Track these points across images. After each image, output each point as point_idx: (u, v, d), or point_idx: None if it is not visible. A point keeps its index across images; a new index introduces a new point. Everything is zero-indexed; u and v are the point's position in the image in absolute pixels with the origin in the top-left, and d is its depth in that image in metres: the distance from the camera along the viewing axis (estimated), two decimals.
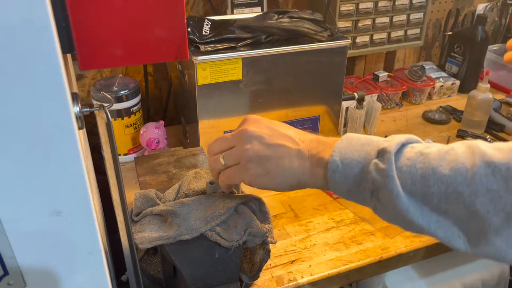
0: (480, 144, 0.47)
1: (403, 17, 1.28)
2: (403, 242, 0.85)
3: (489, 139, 1.19)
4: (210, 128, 0.94)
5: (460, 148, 0.47)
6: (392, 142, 0.50)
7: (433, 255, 0.88)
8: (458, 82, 1.44)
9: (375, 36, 1.28)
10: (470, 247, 0.46)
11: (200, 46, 0.88)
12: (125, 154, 1.07)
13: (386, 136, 0.53)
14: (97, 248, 0.46)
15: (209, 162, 0.64)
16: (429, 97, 1.43)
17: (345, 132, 1.21)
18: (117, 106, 1.00)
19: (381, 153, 0.50)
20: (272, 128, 0.59)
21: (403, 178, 0.48)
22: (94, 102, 1.02)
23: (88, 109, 0.49)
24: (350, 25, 1.23)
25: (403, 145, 0.50)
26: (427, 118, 1.32)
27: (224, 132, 0.95)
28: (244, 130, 0.60)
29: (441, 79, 1.43)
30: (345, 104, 1.17)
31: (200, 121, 0.92)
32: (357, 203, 0.54)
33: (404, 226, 0.50)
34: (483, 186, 0.43)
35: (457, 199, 0.45)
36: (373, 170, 0.49)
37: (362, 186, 0.51)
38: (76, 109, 0.42)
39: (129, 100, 1.01)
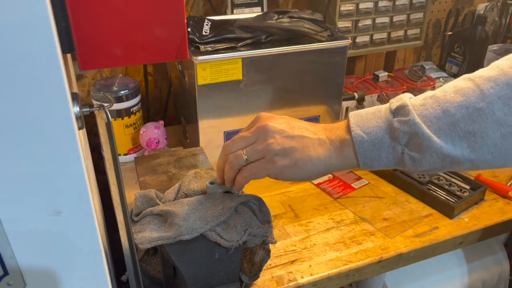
0: (468, 74, 0.55)
1: (403, 17, 1.28)
2: (403, 242, 0.85)
3: None
4: (210, 128, 0.94)
5: (457, 82, 0.56)
6: (402, 99, 0.57)
7: (433, 255, 0.88)
8: None
9: (375, 36, 1.28)
10: (496, 154, 0.53)
11: (200, 46, 0.88)
12: (125, 154, 1.07)
13: None
14: (97, 248, 0.46)
15: (229, 159, 0.64)
16: None
17: None
18: (117, 106, 1.00)
19: (398, 111, 0.56)
20: (289, 122, 0.62)
21: (427, 120, 0.54)
22: (94, 102, 1.02)
23: (88, 109, 0.49)
24: (350, 25, 1.23)
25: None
26: None
27: (224, 132, 0.95)
28: (264, 125, 0.62)
29: (441, 79, 1.43)
30: (345, 104, 1.17)
31: (200, 121, 0.92)
32: (389, 167, 0.58)
33: (440, 165, 0.55)
34: (494, 96, 0.51)
35: (480, 115, 0.52)
36: (398, 126, 0.55)
37: (391, 146, 0.56)
38: (76, 109, 0.42)
39: (129, 100, 1.01)
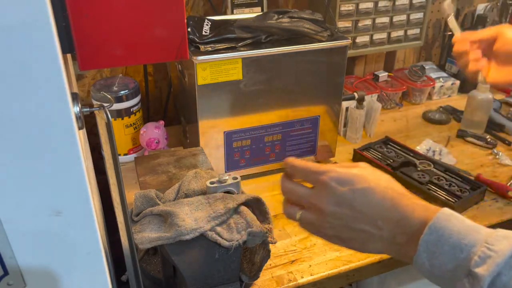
0: None
1: (403, 17, 1.28)
2: None
3: (489, 139, 1.19)
4: (210, 128, 0.94)
5: None
6: (489, 266, 0.43)
7: None
8: (458, 82, 1.44)
9: (375, 36, 1.28)
10: None
11: (200, 46, 0.88)
12: (125, 154, 1.07)
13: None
14: (97, 248, 0.46)
15: (284, 207, 0.59)
16: (429, 97, 1.43)
17: (345, 132, 1.21)
18: (117, 106, 1.00)
19: (471, 276, 0.44)
20: (354, 208, 0.52)
21: None
22: (94, 102, 1.02)
23: (88, 109, 0.49)
24: (350, 25, 1.23)
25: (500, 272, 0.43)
26: (427, 118, 1.32)
27: (224, 132, 0.95)
28: (323, 209, 0.54)
29: (441, 79, 1.43)
30: (345, 104, 1.17)
31: (200, 121, 0.92)
32: None
33: None
34: None
35: None
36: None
37: None
38: (76, 109, 0.42)
39: (129, 100, 1.01)
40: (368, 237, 0.53)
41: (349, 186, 0.52)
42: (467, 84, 1.43)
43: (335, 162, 1.09)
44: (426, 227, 0.48)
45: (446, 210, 0.49)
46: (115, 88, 1.00)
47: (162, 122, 1.06)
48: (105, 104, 0.50)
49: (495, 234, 0.45)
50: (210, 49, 0.88)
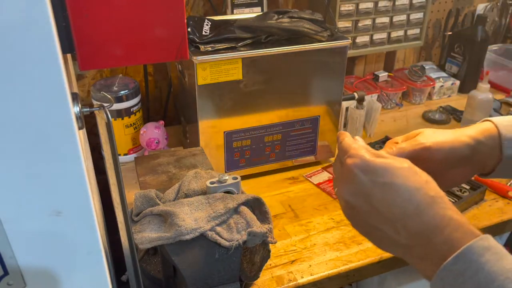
0: None
1: (403, 17, 1.28)
2: None
3: None
4: (210, 128, 0.94)
5: None
6: None
7: None
8: (458, 82, 1.44)
9: (375, 36, 1.28)
10: None
11: (200, 46, 0.88)
12: (125, 154, 1.07)
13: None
14: (97, 248, 0.46)
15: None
16: (429, 97, 1.43)
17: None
18: (117, 106, 1.00)
19: None
20: (370, 202, 0.46)
21: None
22: (94, 102, 1.02)
23: (88, 109, 0.49)
24: (350, 25, 1.23)
25: None
26: (427, 118, 1.32)
27: (224, 132, 0.95)
28: (341, 195, 0.48)
29: (441, 79, 1.43)
30: (345, 104, 1.17)
31: (200, 121, 0.92)
32: None
33: None
34: None
35: None
36: None
37: None
38: (76, 109, 0.42)
39: (129, 100, 1.01)
40: (383, 237, 0.46)
41: (371, 177, 0.45)
42: (467, 84, 1.44)
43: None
44: (452, 255, 0.41)
45: (484, 241, 0.41)
46: (115, 88, 1.00)
47: (162, 122, 1.06)
48: (105, 104, 0.50)
49: None
50: (210, 49, 0.88)
